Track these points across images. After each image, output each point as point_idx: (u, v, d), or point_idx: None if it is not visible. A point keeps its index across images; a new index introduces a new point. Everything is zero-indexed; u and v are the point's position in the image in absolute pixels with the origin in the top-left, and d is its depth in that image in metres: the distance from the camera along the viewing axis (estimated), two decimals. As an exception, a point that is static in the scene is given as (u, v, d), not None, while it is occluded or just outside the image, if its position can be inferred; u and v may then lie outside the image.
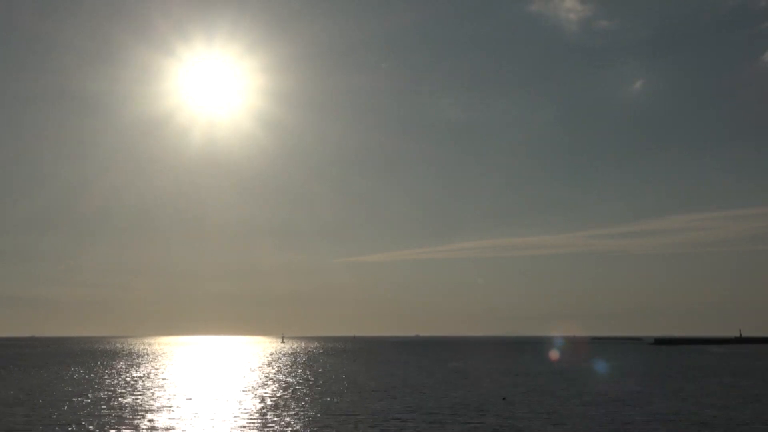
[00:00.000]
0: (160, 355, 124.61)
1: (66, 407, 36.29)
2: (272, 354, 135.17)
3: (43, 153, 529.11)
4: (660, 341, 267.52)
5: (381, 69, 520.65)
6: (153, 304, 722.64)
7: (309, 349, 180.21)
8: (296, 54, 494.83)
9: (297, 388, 49.31)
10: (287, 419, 31.52)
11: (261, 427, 29.16)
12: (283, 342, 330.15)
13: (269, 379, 59.42)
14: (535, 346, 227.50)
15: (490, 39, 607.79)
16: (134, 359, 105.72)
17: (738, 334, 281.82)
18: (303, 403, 38.79)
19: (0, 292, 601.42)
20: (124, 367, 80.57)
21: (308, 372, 69.72)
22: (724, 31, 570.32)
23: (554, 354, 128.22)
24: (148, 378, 59.98)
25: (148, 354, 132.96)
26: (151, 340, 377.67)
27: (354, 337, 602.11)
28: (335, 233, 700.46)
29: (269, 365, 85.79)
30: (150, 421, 30.91)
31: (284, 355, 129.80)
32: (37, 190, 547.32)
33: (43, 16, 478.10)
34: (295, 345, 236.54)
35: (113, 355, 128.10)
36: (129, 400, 40.24)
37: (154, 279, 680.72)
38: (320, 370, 73.86)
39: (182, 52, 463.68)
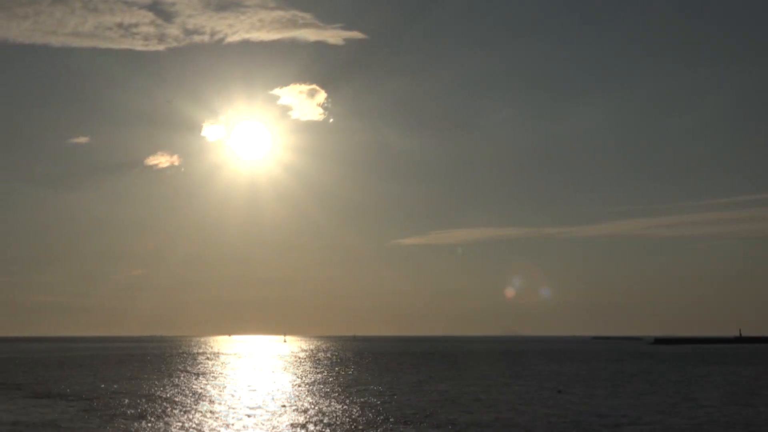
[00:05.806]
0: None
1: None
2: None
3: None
4: (660, 341, 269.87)
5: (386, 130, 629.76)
6: (202, 312, 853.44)
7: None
8: (316, 119, 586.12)
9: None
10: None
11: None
12: (285, 342, 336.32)
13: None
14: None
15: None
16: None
17: (738, 334, 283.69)
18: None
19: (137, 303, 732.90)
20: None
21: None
22: None
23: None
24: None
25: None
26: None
27: (354, 337, 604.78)
28: (334, 240, 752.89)
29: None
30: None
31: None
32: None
33: (111, 85, 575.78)
34: (310, 345, 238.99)
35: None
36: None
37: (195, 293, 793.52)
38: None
39: (225, 111, 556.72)
